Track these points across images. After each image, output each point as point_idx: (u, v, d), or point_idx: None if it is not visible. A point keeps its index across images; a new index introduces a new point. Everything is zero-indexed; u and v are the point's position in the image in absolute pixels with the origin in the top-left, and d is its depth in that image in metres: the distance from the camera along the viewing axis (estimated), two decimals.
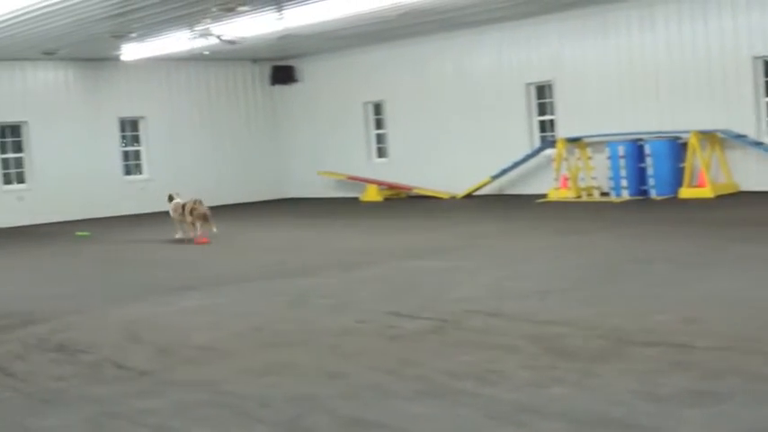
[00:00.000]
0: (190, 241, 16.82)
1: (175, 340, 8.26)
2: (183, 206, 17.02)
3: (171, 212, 17.38)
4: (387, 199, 25.26)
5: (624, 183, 20.11)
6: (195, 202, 16.90)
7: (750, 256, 11.14)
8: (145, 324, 9.17)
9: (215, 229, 16.77)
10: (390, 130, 26.44)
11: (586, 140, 21.25)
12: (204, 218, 16.81)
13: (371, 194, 25.52)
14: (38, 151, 24.61)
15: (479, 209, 20.71)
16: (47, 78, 24.88)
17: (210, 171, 27.35)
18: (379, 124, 27.00)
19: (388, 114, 26.40)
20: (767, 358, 6.41)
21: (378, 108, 26.88)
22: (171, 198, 17.54)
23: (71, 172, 24.89)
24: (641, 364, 6.36)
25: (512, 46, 23.27)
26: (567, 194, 21.09)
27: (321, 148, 27.85)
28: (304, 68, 28.42)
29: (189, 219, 16.90)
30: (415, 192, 25.02)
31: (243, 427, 5.62)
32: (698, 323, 7.62)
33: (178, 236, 17.30)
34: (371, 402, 5.91)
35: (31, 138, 24.54)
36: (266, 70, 28.69)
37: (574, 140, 21.34)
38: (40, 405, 6.42)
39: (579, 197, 20.92)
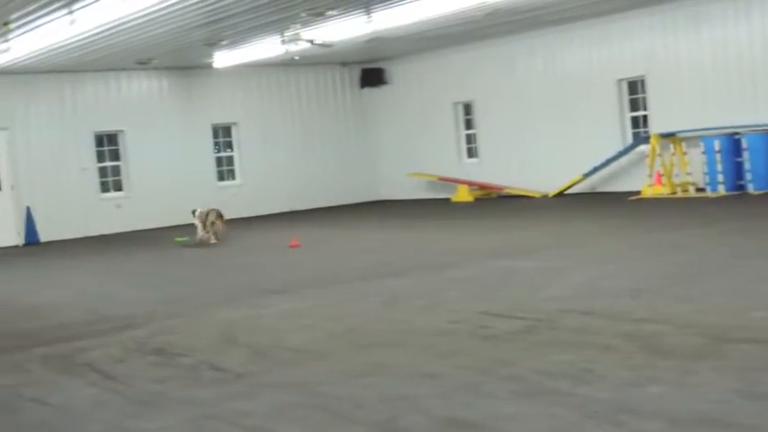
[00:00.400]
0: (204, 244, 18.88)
1: (271, 342, 8.35)
2: (207, 215, 19.44)
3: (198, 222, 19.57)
4: (478, 199, 25.19)
5: (720, 178, 19.71)
6: (211, 211, 19.51)
7: None
8: (241, 327, 9.29)
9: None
10: (480, 129, 26.34)
11: (681, 135, 20.89)
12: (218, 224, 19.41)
13: (462, 195, 25.46)
14: (134, 159, 25.12)
15: (571, 207, 20.51)
16: (141, 87, 25.40)
17: (301, 175, 27.60)
18: (468, 124, 26.93)
19: (478, 114, 26.31)
20: None
21: (467, 108, 26.81)
22: (194, 212, 19.79)
23: (166, 179, 25.35)
24: (740, 362, 6.23)
25: (602, 42, 23.00)
26: (662, 191, 20.75)
27: (411, 149, 27.87)
28: (393, 71, 28.49)
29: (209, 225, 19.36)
30: (506, 191, 24.89)
31: (338, 428, 5.65)
32: None
33: (213, 240, 19.15)
34: (466, 402, 5.90)
35: (128, 146, 25.07)
36: (356, 73, 28.84)
37: (668, 136, 20.98)
38: (140, 407, 6.55)
39: (674, 193, 20.58)
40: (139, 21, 17.01)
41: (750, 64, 20.18)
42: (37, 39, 17.49)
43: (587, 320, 8.11)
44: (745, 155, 19.35)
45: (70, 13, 15.51)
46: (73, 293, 13.40)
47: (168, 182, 25.36)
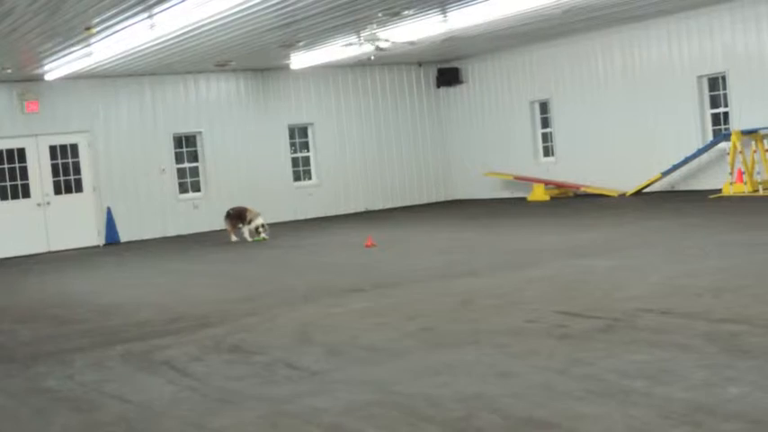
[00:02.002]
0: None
1: (345, 341, 8.38)
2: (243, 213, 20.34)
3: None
4: (554, 198, 25.00)
5: None
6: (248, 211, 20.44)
7: None
8: (316, 325, 9.34)
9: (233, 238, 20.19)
10: (557, 128, 26.14)
11: (763, 132, 20.49)
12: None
13: (538, 194, 25.30)
14: (212, 160, 25.42)
15: (649, 206, 20.23)
16: (219, 89, 25.69)
17: (377, 175, 27.68)
18: (545, 123, 26.75)
19: (555, 112, 26.10)
20: None
21: (543, 106, 26.62)
22: (228, 213, 20.63)
23: (243, 179, 25.60)
24: None
25: (681, 38, 22.66)
26: (743, 189, 20.38)
27: (487, 148, 27.77)
28: (469, 70, 28.41)
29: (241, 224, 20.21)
30: (583, 190, 24.66)
31: (412, 426, 5.65)
32: None
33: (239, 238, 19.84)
34: (541, 402, 5.85)
35: (206, 147, 25.37)
36: (431, 73, 28.83)
37: (749, 132, 20.59)
38: (216, 404, 6.63)
39: (756, 191, 20.18)
40: (217, 24, 17.19)
41: None
42: (118, 43, 17.78)
43: (666, 320, 8.00)
44: None
45: (150, 17, 15.73)
46: (151, 292, 13.60)
47: (245, 182, 25.61)
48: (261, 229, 20.20)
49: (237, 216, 20.36)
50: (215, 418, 6.26)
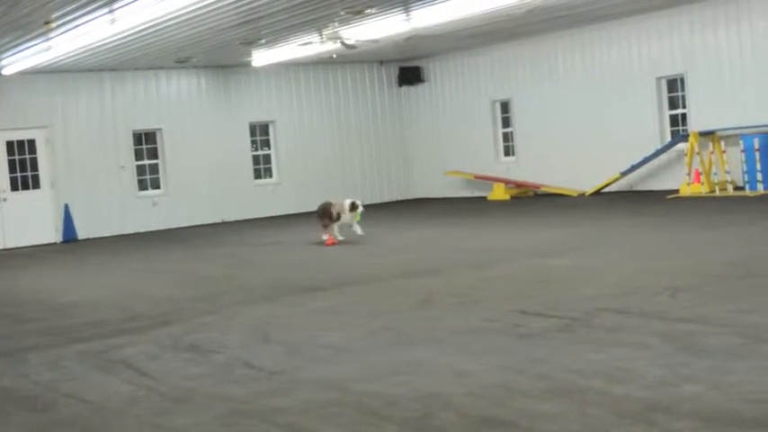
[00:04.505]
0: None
1: (304, 340, 8.36)
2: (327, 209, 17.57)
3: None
4: (514, 197, 25.09)
5: (759, 176, 19.49)
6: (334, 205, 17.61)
7: None
8: (275, 324, 9.32)
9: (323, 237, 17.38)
10: (517, 127, 26.23)
11: (720, 133, 20.69)
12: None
13: (498, 193, 25.39)
14: (172, 157, 25.27)
15: (608, 206, 20.38)
16: (180, 86, 25.54)
17: (338, 173, 27.64)
18: (505, 122, 26.84)
19: (515, 112, 26.20)
20: None
21: (505, 106, 26.71)
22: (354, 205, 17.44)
23: (204, 177, 25.49)
24: None
25: (641, 39, 22.82)
26: (700, 189, 20.57)
27: (448, 147, 27.81)
28: (430, 68, 28.45)
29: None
30: (543, 190, 24.78)
31: (371, 425, 5.65)
32: None
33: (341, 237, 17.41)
34: (499, 401, 5.87)
35: (166, 144, 25.22)
36: (393, 71, 28.83)
37: (707, 134, 20.79)
38: (173, 404, 6.59)
39: (712, 192, 20.38)
40: (178, 20, 17.10)
41: None
42: (78, 38, 17.63)
43: (623, 319, 8.06)
44: None
45: (110, 12, 15.62)
46: (109, 290, 13.49)
47: (205, 180, 25.50)
48: (357, 208, 17.24)
49: (323, 214, 17.55)
50: (172, 417, 6.23)
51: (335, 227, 17.36)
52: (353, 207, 17.25)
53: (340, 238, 17.25)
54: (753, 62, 20.62)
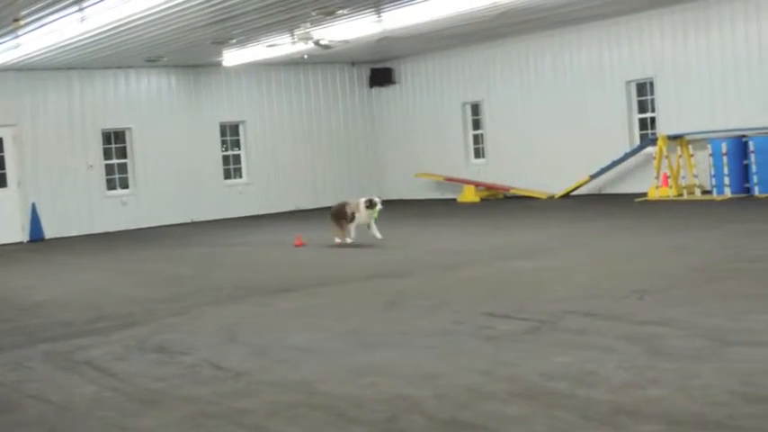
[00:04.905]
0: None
1: (272, 341, 8.34)
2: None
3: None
4: (484, 200, 25.16)
5: (726, 180, 19.66)
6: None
7: None
8: (242, 325, 9.28)
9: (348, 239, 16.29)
10: (488, 130, 26.32)
11: (688, 138, 20.84)
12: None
13: (469, 195, 25.44)
14: (141, 157, 25.14)
15: (577, 208, 20.47)
16: (150, 85, 25.42)
17: (309, 173, 27.63)
18: (476, 125, 26.91)
19: (486, 115, 26.28)
20: None
21: (475, 108, 26.78)
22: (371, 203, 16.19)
23: (173, 176, 25.38)
24: (742, 365, 6.20)
25: (611, 43, 22.97)
26: (668, 193, 20.71)
27: (418, 149, 27.86)
28: (402, 70, 28.48)
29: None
30: (513, 192, 24.86)
31: (337, 427, 5.63)
32: None
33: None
34: (466, 403, 5.88)
35: (135, 144, 25.09)
36: (365, 73, 28.84)
37: (675, 138, 20.94)
38: (140, 405, 6.54)
39: (680, 195, 20.53)
40: (149, 19, 17.03)
41: (758, 66, 20.14)
42: (47, 36, 17.51)
43: (590, 322, 8.09)
44: (752, 157, 19.29)
45: (80, 10, 15.53)
46: (76, 291, 13.40)
47: (174, 180, 25.40)
48: (375, 205, 16.04)
49: (338, 215, 16.53)
50: (138, 418, 6.18)
51: (352, 228, 16.21)
52: (371, 204, 16.08)
53: (348, 240, 16.18)
54: (721, 67, 20.80)
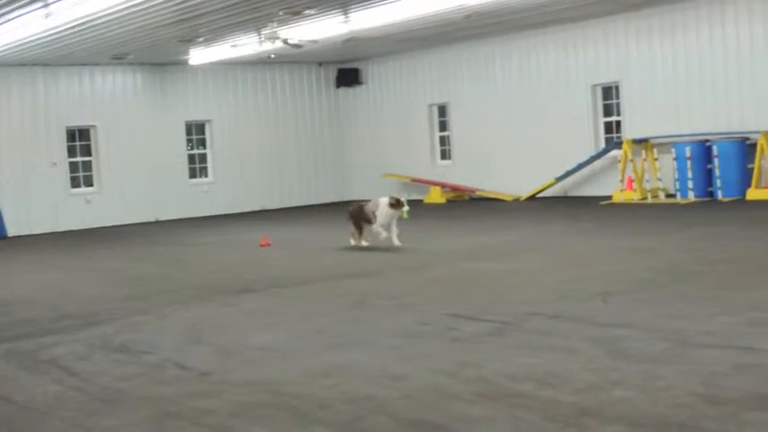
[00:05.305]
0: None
1: (236, 341, 8.31)
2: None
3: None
4: (450, 201, 25.22)
5: (690, 184, 19.83)
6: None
7: None
8: (207, 325, 9.24)
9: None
10: (454, 132, 26.38)
11: (653, 141, 21.00)
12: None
13: (434, 196, 25.49)
14: (105, 155, 24.97)
15: (543, 211, 20.56)
16: (115, 83, 25.25)
17: (274, 173, 27.58)
18: (443, 126, 26.96)
19: (453, 116, 26.34)
20: None
21: (442, 110, 26.83)
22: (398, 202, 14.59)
23: (138, 175, 25.23)
24: (704, 367, 6.25)
25: (578, 47, 23.09)
26: (633, 196, 20.85)
27: (385, 150, 27.87)
28: (369, 71, 28.48)
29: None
30: (478, 194, 24.93)
31: (302, 428, 5.62)
32: (763, 325, 7.49)
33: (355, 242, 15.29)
34: (431, 404, 5.88)
35: (100, 141, 24.91)
36: (331, 73, 28.81)
37: (640, 141, 21.09)
38: (102, 405, 6.50)
39: (644, 199, 20.67)
40: (114, 16, 16.92)
41: (723, 71, 20.31)
42: (11, 32, 17.35)
43: (554, 324, 8.12)
44: (716, 162, 19.47)
45: (45, 6, 15.40)
46: (39, 289, 13.28)
47: (139, 178, 25.26)
48: (402, 205, 14.42)
49: (356, 216, 15.09)
50: (101, 418, 6.14)
51: (378, 228, 14.65)
52: (397, 204, 14.41)
53: (364, 243, 14.90)
54: (686, 72, 20.97)
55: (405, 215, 14.44)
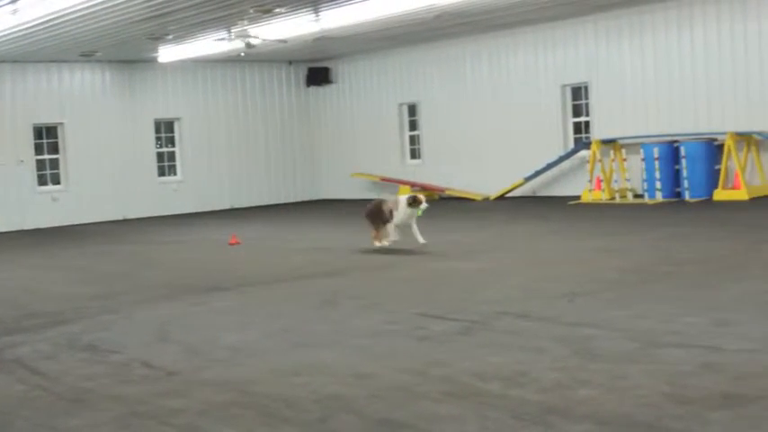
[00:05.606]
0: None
1: (205, 340, 8.28)
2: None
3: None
4: None
5: (658, 185, 19.95)
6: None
7: None
8: (175, 324, 9.20)
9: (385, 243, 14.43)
10: (424, 131, 26.41)
11: (621, 142, 21.12)
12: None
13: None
14: (73, 152, 24.81)
15: (511, 210, 20.63)
16: (84, 80, 25.09)
17: (244, 172, 27.51)
18: (413, 126, 26.99)
19: (423, 116, 26.37)
20: None
21: (412, 109, 26.86)
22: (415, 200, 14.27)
23: (106, 173, 25.09)
24: (670, 367, 6.30)
25: (547, 47, 23.18)
26: (601, 196, 20.96)
27: (355, 149, 27.87)
28: (339, 70, 28.46)
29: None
30: (448, 193, 24.98)
31: (270, 427, 5.61)
32: (729, 325, 7.54)
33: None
34: (399, 403, 5.89)
35: (67, 139, 24.75)
36: (302, 72, 28.77)
37: (609, 142, 21.21)
38: (69, 404, 6.45)
39: (613, 199, 20.78)
40: (83, 13, 16.82)
41: (691, 73, 20.47)
42: None
43: (522, 323, 8.16)
44: (683, 163, 19.60)
45: (13, 2, 15.29)
46: (4, 288, 13.19)
47: (107, 176, 25.11)
48: (420, 203, 14.14)
49: (373, 214, 14.68)
50: (67, 418, 6.10)
51: (390, 228, 14.28)
52: (415, 202, 14.14)
53: (386, 243, 14.30)
54: (654, 73, 21.11)
55: (420, 212, 14.20)
